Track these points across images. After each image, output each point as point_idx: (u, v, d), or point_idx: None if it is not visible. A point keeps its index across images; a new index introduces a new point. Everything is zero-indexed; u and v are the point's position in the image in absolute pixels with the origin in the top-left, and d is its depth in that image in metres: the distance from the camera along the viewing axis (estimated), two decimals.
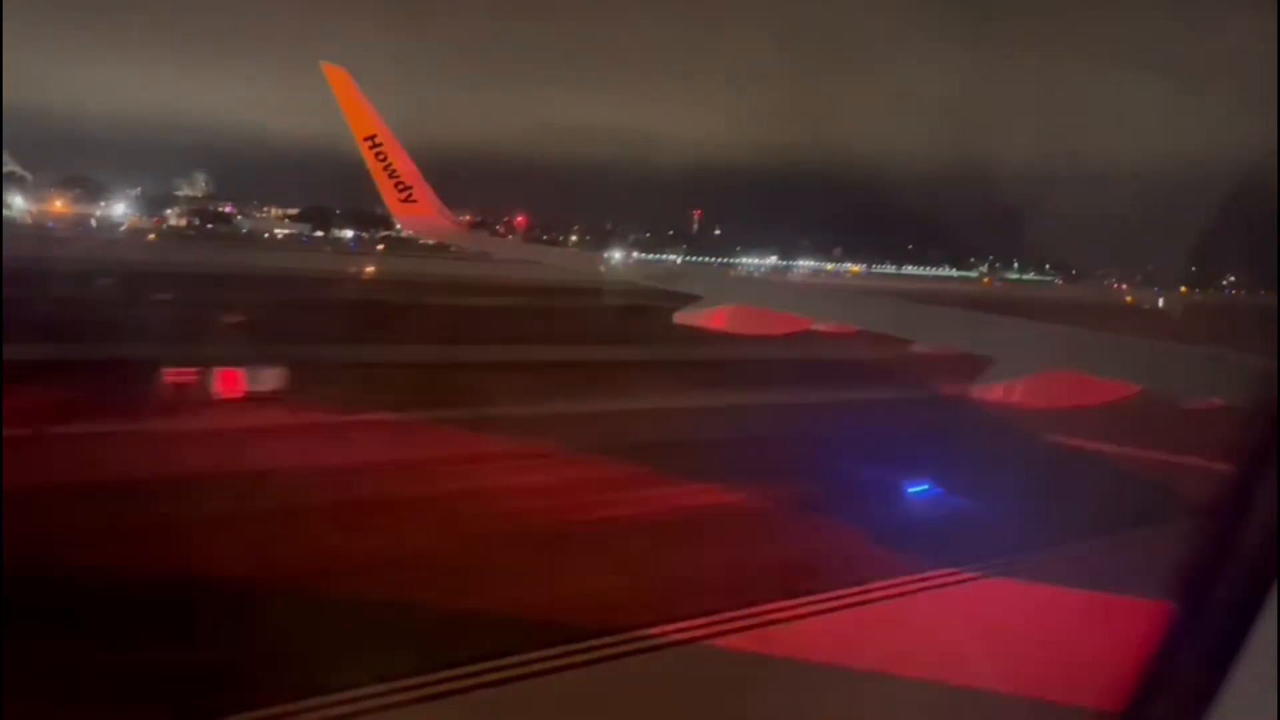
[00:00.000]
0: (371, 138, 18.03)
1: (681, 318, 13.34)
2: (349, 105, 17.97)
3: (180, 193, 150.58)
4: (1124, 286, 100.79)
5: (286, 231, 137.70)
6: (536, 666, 9.88)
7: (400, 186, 18.32)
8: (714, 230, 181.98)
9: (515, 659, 9.92)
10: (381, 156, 18.11)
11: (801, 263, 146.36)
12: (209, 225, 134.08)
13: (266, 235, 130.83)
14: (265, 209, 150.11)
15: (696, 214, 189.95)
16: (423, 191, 18.55)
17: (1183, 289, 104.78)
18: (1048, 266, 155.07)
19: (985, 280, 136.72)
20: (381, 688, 9.25)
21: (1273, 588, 1.96)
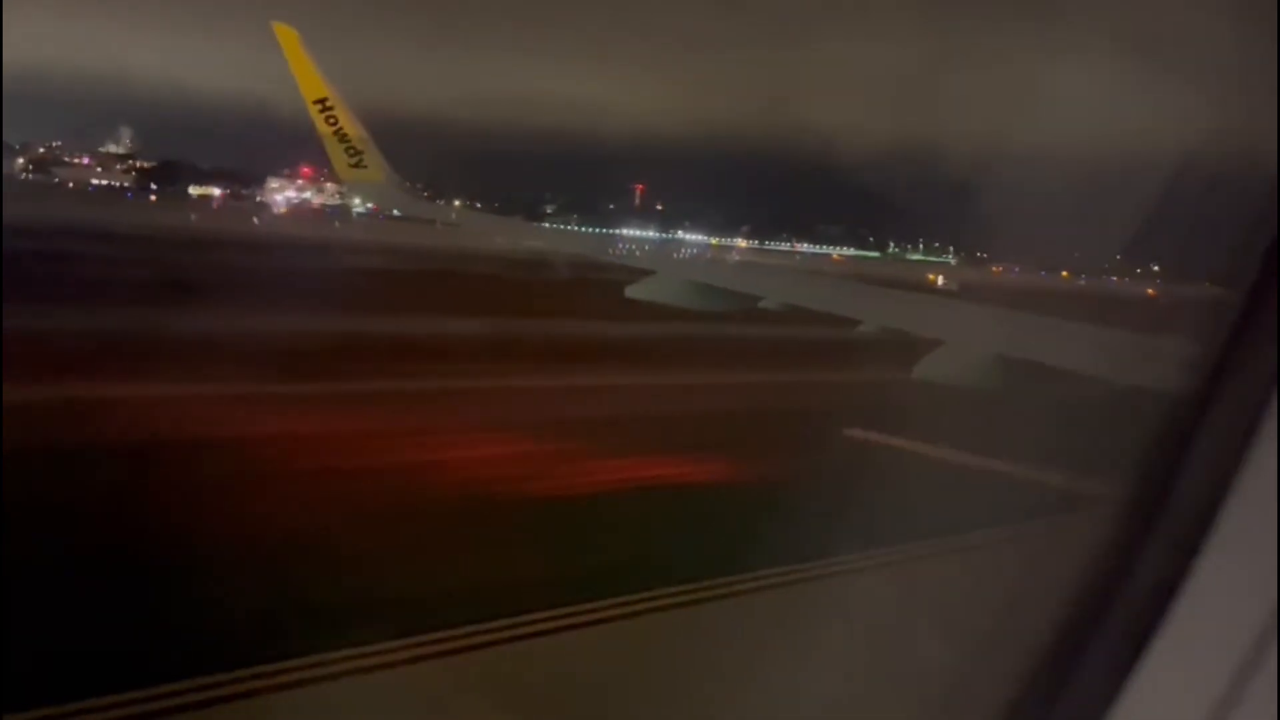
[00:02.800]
0: (322, 100, 18.83)
1: None
2: (299, 67, 18.71)
3: (105, 149, 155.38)
4: (1015, 270, 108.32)
5: (102, 182, 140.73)
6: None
7: (350, 151, 19.21)
8: (655, 205, 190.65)
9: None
10: (332, 121, 18.94)
11: (690, 237, 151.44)
12: (25, 175, 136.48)
13: (70, 185, 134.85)
14: (128, 162, 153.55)
15: (638, 189, 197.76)
16: (373, 157, 19.48)
17: (1065, 273, 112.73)
18: (952, 249, 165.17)
19: (835, 257, 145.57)
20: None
21: (1186, 581, 2.07)
